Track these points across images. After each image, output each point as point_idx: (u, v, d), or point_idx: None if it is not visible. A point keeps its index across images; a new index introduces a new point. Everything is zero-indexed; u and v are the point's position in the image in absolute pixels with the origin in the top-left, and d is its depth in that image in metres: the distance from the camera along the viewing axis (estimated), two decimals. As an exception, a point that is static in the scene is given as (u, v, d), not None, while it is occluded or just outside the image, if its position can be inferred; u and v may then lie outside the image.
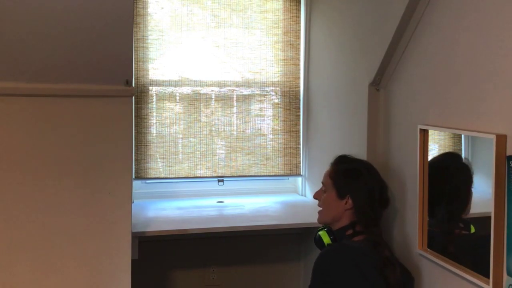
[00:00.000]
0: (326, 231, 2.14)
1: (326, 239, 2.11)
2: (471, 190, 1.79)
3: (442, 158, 1.96)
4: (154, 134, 2.94)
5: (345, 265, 1.96)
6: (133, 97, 2.58)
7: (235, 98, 3.04)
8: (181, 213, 2.72)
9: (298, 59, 3.10)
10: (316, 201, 2.22)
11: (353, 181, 2.10)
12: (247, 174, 3.07)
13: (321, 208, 2.19)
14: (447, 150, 1.97)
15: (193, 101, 2.98)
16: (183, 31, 2.95)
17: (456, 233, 1.89)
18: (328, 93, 2.85)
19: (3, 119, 2.04)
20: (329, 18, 2.87)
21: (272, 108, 3.10)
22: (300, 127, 3.12)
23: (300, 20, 3.08)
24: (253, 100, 3.07)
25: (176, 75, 2.96)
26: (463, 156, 1.90)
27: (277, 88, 3.09)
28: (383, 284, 1.93)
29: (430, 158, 1.98)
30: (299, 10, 3.08)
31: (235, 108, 3.04)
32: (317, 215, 2.20)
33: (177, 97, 2.97)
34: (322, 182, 2.20)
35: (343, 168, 2.15)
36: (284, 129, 3.10)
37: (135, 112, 2.86)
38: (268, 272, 2.40)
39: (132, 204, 2.27)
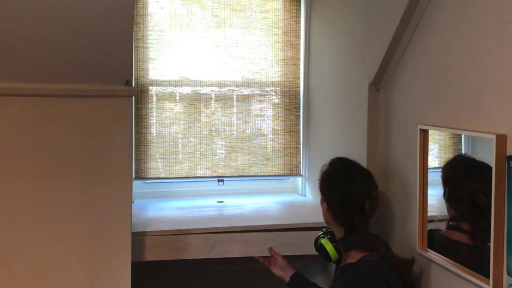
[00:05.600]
0: (328, 238, 2.12)
1: (332, 252, 2.09)
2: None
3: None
4: (154, 134, 2.94)
5: (378, 283, 1.95)
6: (133, 97, 2.58)
7: (235, 98, 3.04)
8: (181, 213, 2.72)
9: (298, 59, 3.10)
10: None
11: (327, 185, 2.11)
12: (247, 174, 3.07)
13: None
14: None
15: (193, 101, 2.98)
16: (183, 31, 2.95)
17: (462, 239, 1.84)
18: (328, 93, 2.85)
19: (3, 119, 2.04)
20: (329, 18, 2.87)
21: (272, 108, 3.10)
22: (300, 127, 3.12)
23: (300, 20, 3.08)
24: (253, 100, 3.07)
25: (176, 75, 2.96)
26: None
27: (277, 88, 3.09)
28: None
29: (430, 157, 1.98)
30: (299, 10, 3.08)
31: (235, 108, 3.04)
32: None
33: (177, 97, 2.97)
34: None
35: (325, 170, 2.15)
36: (284, 129, 3.10)
37: (135, 112, 2.86)
38: (268, 272, 2.40)
39: (132, 204, 2.27)
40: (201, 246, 2.41)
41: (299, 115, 3.12)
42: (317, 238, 2.20)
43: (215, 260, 2.84)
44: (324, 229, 2.23)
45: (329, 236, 2.14)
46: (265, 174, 3.09)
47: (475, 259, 1.74)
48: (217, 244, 2.42)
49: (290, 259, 2.33)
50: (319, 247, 2.15)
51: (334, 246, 2.10)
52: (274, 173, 3.10)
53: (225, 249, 2.44)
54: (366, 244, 2.02)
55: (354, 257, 2.02)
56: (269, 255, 2.35)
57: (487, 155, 1.61)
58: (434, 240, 1.95)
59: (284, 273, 2.27)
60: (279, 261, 2.30)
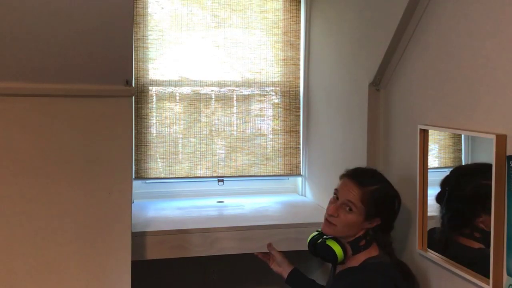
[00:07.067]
0: (332, 239, 2.02)
1: (340, 253, 1.98)
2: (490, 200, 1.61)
3: (474, 166, 1.86)
4: (154, 134, 2.94)
5: (387, 285, 1.92)
6: (133, 97, 2.58)
7: (235, 98, 3.04)
8: (181, 213, 2.72)
9: (298, 59, 3.10)
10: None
11: (388, 209, 1.99)
12: (247, 174, 3.07)
13: (332, 223, 1.99)
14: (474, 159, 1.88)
15: (193, 101, 2.98)
16: (183, 31, 2.95)
17: (465, 243, 1.82)
18: (328, 93, 2.85)
19: (3, 119, 2.04)
20: (329, 18, 2.87)
21: (272, 108, 3.10)
22: (300, 127, 3.12)
23: (300, 20, 3.08)
24: (253, 100, 3.07)
25: (176, 75, 2.96)
26: (463, 156, 1.90)
27: (277, 88, 3.09)
28: None
29: (429, 157, 1.98)
30: (299, 10, 3.08)
31: (235, 108, 3.04)
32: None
33: (177, 97, 2.97)
34: (351, 202, 1.94)
35: (377, 194, 1.96)
36: (284, 129, 3.10)
37: (135, 112, 2.86)
38: (268, 272, 2.40)
39: (132, 204, 2.27)
40: (201, 243, 2.42)
41: (299, 115, 3.12)
42: (315, 239, 2.09)
43: (215, 260, 2.85)
44: (318, 230, 2.12)
45: (330, 237, 2.06)
46: (265, 174, 3.09)
47: (470, 261, 1.75)
48: (216, 241, 2.43)
49: (288, 255, 2.33)
50: (322, 248, 2.03)
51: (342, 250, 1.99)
52: (274, 173, 3.10)
53: (224, 246, 2.45)
54: (387, 245, 2.01)
55: (357, 260, 1.99)
56: (268, 251, 2.34)
57: (487, 155, 1.61)
58: (435, 240, 1.96)
59: (282, 269, 2.27)
60: (277, 258, 2.29)
